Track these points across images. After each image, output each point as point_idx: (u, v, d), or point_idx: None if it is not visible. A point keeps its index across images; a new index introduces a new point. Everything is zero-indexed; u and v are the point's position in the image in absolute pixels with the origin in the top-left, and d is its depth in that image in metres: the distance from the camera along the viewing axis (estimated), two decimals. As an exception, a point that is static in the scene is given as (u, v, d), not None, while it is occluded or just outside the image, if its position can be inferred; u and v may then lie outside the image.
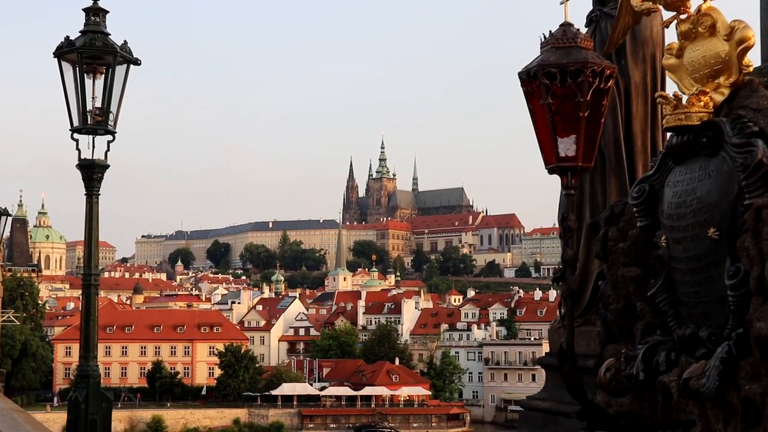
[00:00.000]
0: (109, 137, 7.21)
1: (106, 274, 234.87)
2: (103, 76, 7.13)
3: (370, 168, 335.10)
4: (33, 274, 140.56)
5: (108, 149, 7.22)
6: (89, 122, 7.08)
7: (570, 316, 3.89)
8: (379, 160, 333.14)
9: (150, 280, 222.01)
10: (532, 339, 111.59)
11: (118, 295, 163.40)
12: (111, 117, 7.14)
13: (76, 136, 7.17)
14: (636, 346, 4.08)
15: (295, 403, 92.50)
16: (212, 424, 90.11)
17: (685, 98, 3.93)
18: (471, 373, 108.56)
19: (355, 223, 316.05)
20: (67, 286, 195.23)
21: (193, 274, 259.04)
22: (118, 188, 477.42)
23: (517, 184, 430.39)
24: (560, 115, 3.66)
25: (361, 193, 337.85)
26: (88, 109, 7.10)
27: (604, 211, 4.75)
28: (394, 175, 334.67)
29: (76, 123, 7.13)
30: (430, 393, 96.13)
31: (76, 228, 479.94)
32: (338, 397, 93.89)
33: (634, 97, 6.77)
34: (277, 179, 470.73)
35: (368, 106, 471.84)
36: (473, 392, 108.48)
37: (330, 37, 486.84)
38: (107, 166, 7.27)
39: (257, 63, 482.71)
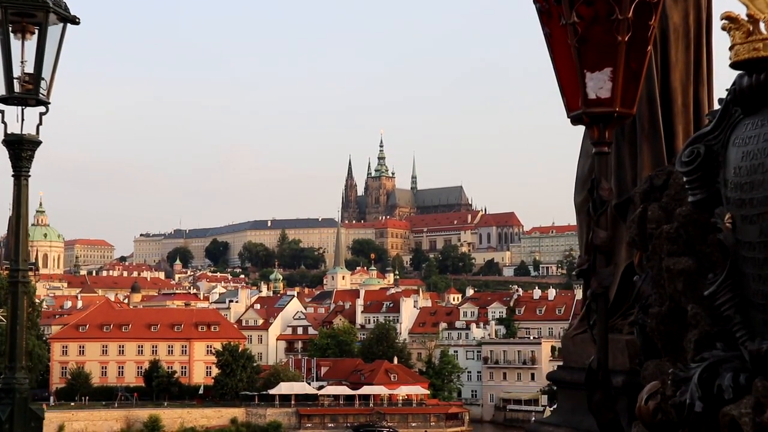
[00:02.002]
0: (42, 108, 6.08)
1: (105, 273, 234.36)
2: (35, 36, 6.00)
3: (369, 167, 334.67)
4: (30, 273, 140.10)
5: (40, 122, 6.07)
6: (17, 90, 5.97)
7: (603, 323, 2.83)
8: (378, 158, 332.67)
9: (148, 279, 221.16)
10: (531, 338, 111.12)
11: (116, 294, 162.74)
12: (44, 85, 6.02)
13: (1, 106, 6.06)
14: (688, 364, 2.95)
15: (292, 402, 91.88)
16: (209, 423, 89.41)
17: (762, 22, 2.81)
18: (470, 372, 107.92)
19: (353, 221, 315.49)
20: (65, 284, 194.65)
21: (192, 273, 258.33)
22: (117, 187, 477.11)
23: (516, 183, 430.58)
24: (589, 41, 2.59)
25: (360, 191, 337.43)
26: (16, 76, 5.98)
27: (641, 184, 3.58)
28: (392, 173, 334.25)
29: (1, 91, 6.02)
30: (428, 392, 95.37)
31: (74, 226, 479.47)
32: (336, 397, 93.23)
33: (673, 43, 5.28)
34: (276, 178, 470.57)
35: (367, 105, 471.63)
36: (472, 391, 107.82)
37: (329, 37, 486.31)
38: (39, 143, 6.11)
39: (256, 62, 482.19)
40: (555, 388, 5.88)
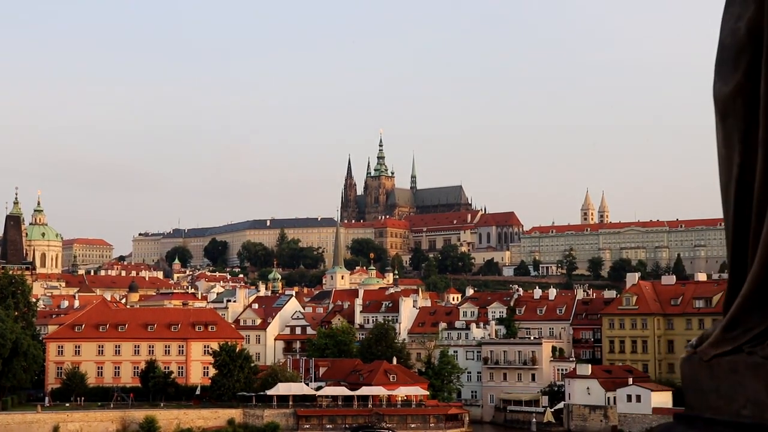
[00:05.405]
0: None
1: (103, 272, 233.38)
2: None
3: (369, 166, 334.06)
4: (26, 272, 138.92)
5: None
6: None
7: None
8: (378, 158, 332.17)
9: (147, 279, 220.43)
10: (532, 338, 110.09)
11: (112, 294, 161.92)
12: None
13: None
14: None
15: (290, 403, 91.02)
16: (206, 424, 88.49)
17: None
18: (469, 372, 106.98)
19: (353, 221, 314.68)
20: (63, 284, 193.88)
21: (191, 273, 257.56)
22: (116, 186, 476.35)
23: (516, 183, 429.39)
24: None
25: (360, 191, 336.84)
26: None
27: None
28: (392, 173, 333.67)
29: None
30: (428, 393, 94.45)
31: (72, 226, 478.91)
32: (335, 397, 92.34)
33: None
34: (275, 177, 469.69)
35: (367, 104, 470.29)
36: (472, 392, 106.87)
37: (328, 36, 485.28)
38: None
39: (255, 61, 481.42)
40: None
